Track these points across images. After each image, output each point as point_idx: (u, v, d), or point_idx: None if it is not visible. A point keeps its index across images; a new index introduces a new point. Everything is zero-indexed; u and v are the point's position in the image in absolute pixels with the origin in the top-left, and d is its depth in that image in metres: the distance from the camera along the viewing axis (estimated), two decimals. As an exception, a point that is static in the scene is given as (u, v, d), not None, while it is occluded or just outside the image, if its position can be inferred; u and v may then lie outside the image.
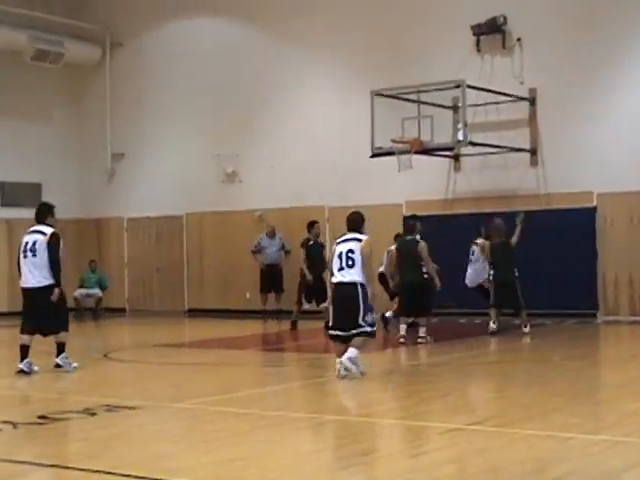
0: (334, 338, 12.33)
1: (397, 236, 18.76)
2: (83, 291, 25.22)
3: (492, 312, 17.88)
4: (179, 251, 26.01)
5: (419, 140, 18.75)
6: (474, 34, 21.33)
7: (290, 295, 22.60)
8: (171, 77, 26.14)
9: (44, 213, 13.77)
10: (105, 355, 15.90)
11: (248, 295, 24.19)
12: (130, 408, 10.39)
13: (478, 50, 21.40)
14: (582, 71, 20.43)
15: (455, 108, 20.03)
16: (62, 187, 26.38)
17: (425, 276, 16.62)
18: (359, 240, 12.22)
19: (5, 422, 9.57)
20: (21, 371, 13.29)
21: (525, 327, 17.80)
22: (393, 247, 18.13)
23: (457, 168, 21.76)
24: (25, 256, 13.43)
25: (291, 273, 22.69)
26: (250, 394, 11.66)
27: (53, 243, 13.40)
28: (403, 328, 16.64)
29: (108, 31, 27.00)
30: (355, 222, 12.56)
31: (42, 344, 13.94)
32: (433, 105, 19.41)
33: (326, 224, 22.78)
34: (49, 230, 13.49)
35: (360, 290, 12.04)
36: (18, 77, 26.00)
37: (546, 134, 20.78)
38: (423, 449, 8.31)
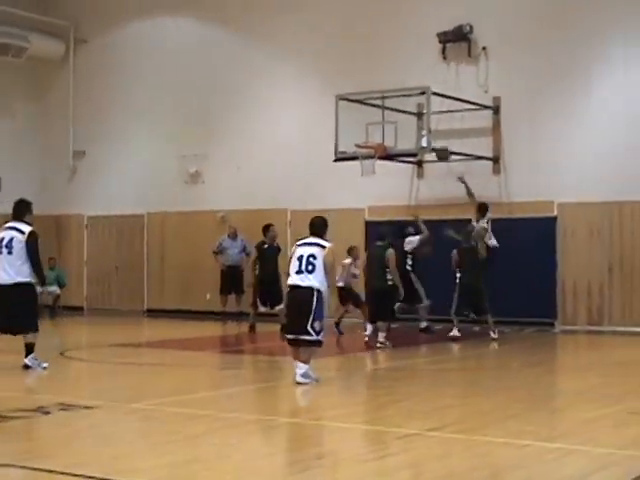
0: (289, 341, 12.28)
1: (350, 250, 18.87)
2: (41, 288, 24.94)
3: (455, 319, 18.01)
4: (139, 250, 25.89)
5: (383, 145, 18.76)
6: (440, 42, 21.41)
7: (250, 297, 22.55)
8: (136, 75, 26.02)
9: (22, 210, 13.65)
10: (62, 353, 15.78)
11: (208, 296, 24.10)
12: (85, 408, 10.30)
13: (444, 58, 21.47)
14: (545, 81, 20.56)
15: (419, 115, 20.10)
16: (22, 183, 26.08)
17: (389, 283, 16.73)
18: (322, 247, 12.02)
19: (-42, 419, 9.46)
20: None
21: (494, 333, 17.97)
22: (347, 260, 18.36)
23: (420, 174, 21.81)
24: (0, 252, 13.30)
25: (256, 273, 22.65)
26: (207, 396, 11.61)
27: (32, 242, 13.32)
28: (380, 334, 16.73)
29: (73, 27, 26.82)
30: (319, 226, 12.36)
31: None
32: (398, 111, 19.45)
33: (288, 227, 22.76)
34: (27, 228, 13.38)
35: (315, 296, 11.88)
36: (-21, 70, 25.81)
37: (509, 143, 20.89)
38: (380, 454, 8.30)
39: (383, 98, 19.34)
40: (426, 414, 10.22)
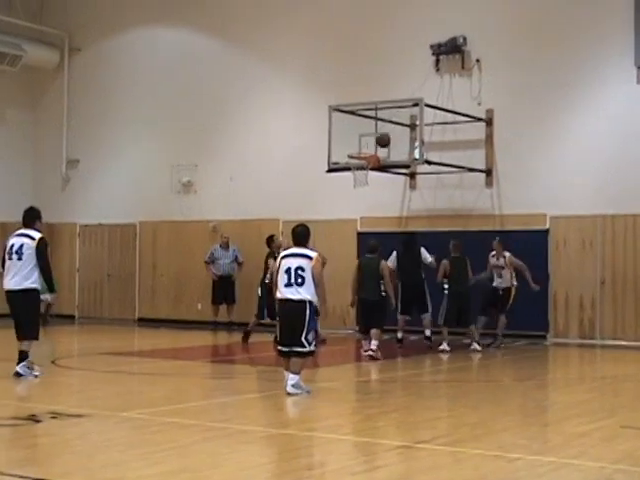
0: (281, 353, 12.27)
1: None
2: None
3: (445, 330, 18.08)
4: (131, 259, 25.86)
5: (376, 157, 18.76)
6: (434, 54, 21.45)
7: (242, 307, 22.59)
8: (129, 85, 26.02)
9: (32, 217, 13.84)
10: (53, 362, 15.74)
11: (200, 306, 24.10)
12: (76, 416, 10.28)
13: (437, 70, 21.51)
14: (539, 94, 20.60)
15: (412, 126, 20.13)
16: (15, 191, 26.13)
17: (383, 294, 16.90)
18: (309, 257, 11.98)
19: (-52, 427, 9.44)
20: (17, 373, 13.32)
21: (478, 345, 18.09)
22: None
23: (413, 186, 21.82)
24: (10, 258, 13.45)
25: (244, 285, 22.68)
26: (198, 405, 11.60)
27: (42, 248, 13.43)
28: (366, 343, 16.77)
29: (67, 36, 26.83)
30: (302, 236, 12.31)
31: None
32: (391, 122, 19.46)
33: (280, 237, 22.74)
34: (37, 235, 13.54)
35: (308, 308, 11.88)
36: (-26, 79, 25.81)
37: (501, 155, 20.91)
38: (370, 465, 8.30)
39: (376, 109, 19.35)
40: (416, 426, 10.22)
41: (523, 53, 20.80)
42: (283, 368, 12.24)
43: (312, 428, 10.22)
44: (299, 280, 11.86)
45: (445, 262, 18.32)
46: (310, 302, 11.90)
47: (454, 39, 21.16)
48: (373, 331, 16.83)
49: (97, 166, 26.47)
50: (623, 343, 19.57)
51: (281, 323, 12.20)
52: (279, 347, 12.25)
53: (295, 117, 23.47)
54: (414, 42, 21.67)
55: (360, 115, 19.43)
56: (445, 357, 17.41)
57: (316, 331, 12.56)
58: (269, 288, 18.95)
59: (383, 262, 17.14)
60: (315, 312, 12.07)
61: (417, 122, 19.20)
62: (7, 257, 13.50)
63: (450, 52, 21.32)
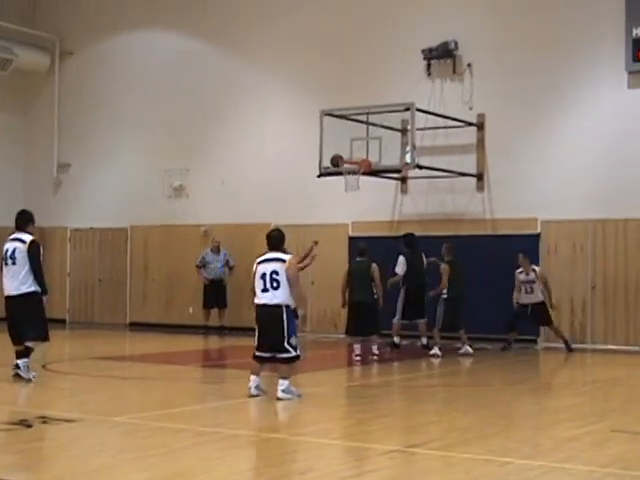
0: (257, 358, 12.25)
1: None
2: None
3: (438, 335, 18.08)
4: (123, 264, 25.83)
5: (367, 161, 18.78)
6: (425, 58, 21.48)
7: (233, 311, 22.59)
8: (121, 89, 26.01)
9: (25, 220, 13.85)
10: (43, 366, 15.69)
11: (191, 310, 24.09)
12: (67, 421, 10.27)
13: (429, 74, 21.54)
14: (530, 98, 20.65)
15: (404, 131, 20.14)
16: (6, 195, 26.12)
17: (375, 297, 17.11)
18: (283, 261, 11.98)
19: (-62, 432, 9.42)
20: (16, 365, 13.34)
21: (470, 348, 18.13)
22: None
23: (404, 190, 21.85)
24: (6, 264, 13.48)
25: (235, 289, 22.68)
26: (189, 410, 11.58)
27: (33, 251, 13.42)
28: (358, 347, 16.81)
29: (58, 39, 26.82)
30: (277, 240, 12.32)
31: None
32: (382, 127, 19.48)
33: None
34: (28, 238, 13.54)
35: (286, 312, 11.88)
36: (-35, 82, 25.78)
37: (493, 160, 20.95)
38: (361, 470, 8.31)
39: (368, 114, 19.37)
40: (407, 430, 10.23)
41: (514, 58, 20.85)
42: (250, 372, 12.20)
43: (303, 432, 10.22)
44: (274, 284, 11.86)
45: (446, 266, 18.21)
46: (287, 306, 11.89)
47: (445, 44, 21.20)
48: (373, 337, 17.13)
49: (88, 170, 26.45)
50: (614, 347, 19.61)
51: (259, 329, 12.16)
52: (257, 353, 12.20)
53: (287, 121, 23.48)
54: (405, 47, 21.70)
55: (352, 120, 19.45)
56: (436, 361, 17.41)
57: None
58: None
59: (374, 265, 17.28)
60: (294, 315, 12.05)
61: (408, 127, 19.23)
62: (4, 263, 13.51)
63: (441, 57, 21.36)
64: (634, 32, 19.49)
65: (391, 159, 19.18)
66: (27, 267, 13.38)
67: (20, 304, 13.34)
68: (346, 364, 17.28)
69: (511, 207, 20.65)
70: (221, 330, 22.46)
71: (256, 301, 12.07)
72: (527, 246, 20.11)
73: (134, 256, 25.71)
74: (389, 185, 21.58)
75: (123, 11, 26.17)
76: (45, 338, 13.65)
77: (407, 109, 18.85)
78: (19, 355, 13.42)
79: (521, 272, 19.00)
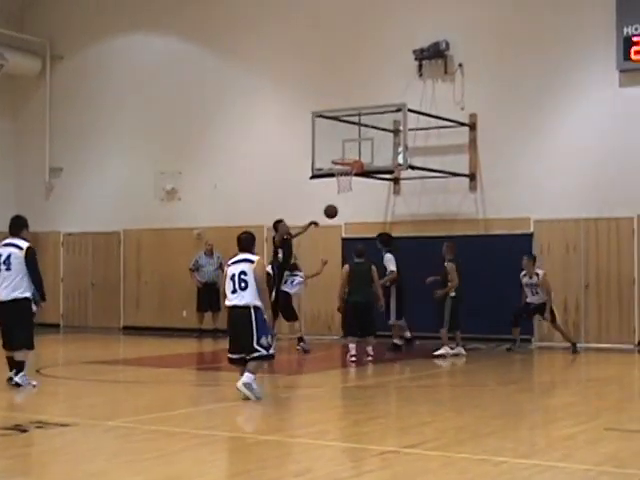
0: (230, 360, 12.22)
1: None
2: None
3: (445, 335, 18.00)
4: (116, 267, 25.81)
5: (359, 162, 18.79)
6: (416, 59, 21.49)
7: (226, 314, 22.50)
8: (112, 92, 25.98)
9: (19, 226, 13.77)
10: (37, 371, 15.66)
11: (185, 313, 24.06)
12: (62, 425, 10.26)
13: (420, 75, 21.56)
14: (522, 98, 20.67)
15: (396, 131, 20.15)
16: (-1, 199, 26.13)
17: (373, 298, 17.20)
18: (251, 261, 12.01)
19: None
20: (16, 384, 13.27)
21: (462, 349, 18.14)
22: None
23: (397, 191, 21.86)
24: None
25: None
26: (184, 413, 11.58)
27: (31, 258, 13.38)
28: (353, 347, 16.80)
29: (49, 43, 26.78)
30: (246, 242, 12.34)
31: None
32: (374, 128, 19.48)
33: (264, 244, 22.74)
34: (25, 244, 13.48)
35: (254, 313, 11.85)
36: (-44, 87, 25.73)
37: (485, 160, 20.97)
38: (357, 471, 8.31)
39: (360, 115, 19.38)
40: (403, 431, 10.23)
41: (506, 57, 20.87)
42: (240, 374, 12.17)
43: (298, 434, 10.22)
44: (242, 285, 11.89)
45: (453, 266, 18.06)
46: (255, 306, 11.87)
47: (437, 44, 21.21)
48: (370, 339, 17.11)
49: (80, 174, 26.42)
50: (607, 346, 19.64)
51: (230, 330, 12.19)
52: (229, 355, 12.19)
53: (279, 124, 23.49)
54: (397, 47, 21.71)
55: (343, 121, 19.46)
56: (432, 362, 17.39)
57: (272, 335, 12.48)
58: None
59: (374, 266, 17.33)
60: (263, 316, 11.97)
61: (400, 127, 19.25)
62: None
63: (433, 57, 21.37)
64: (625, 31, 19.52)
65: (383, 160, 19.19)
66: (22, 273, 13.31)
67: (12, 309, 13.29)
68: (341, 365, 17.28)
69: (504, 207, 20.67)
70: (215, 333, 22.43)
71: (226, 303, 12.12)
72: (520, 246, 20.15)
73: (127, 260, 25.68)
74: (382, 186, 21.59)
75: (113, 15, 26.14)
76: (31, 346, 13.58)
77: (399, 110, 18.87)
78: (12, 367, 13.35)
79: (525, 275, 18.99)
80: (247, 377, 11.91)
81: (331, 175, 19.14)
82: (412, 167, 19.33)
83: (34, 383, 13.44)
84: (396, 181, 21.61)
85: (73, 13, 26.81)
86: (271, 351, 12.04)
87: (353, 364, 16.54)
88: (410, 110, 19.00)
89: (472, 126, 20.99)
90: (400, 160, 19.01)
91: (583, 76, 20.20)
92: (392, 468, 8.34)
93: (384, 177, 20.83)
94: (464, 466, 8.31)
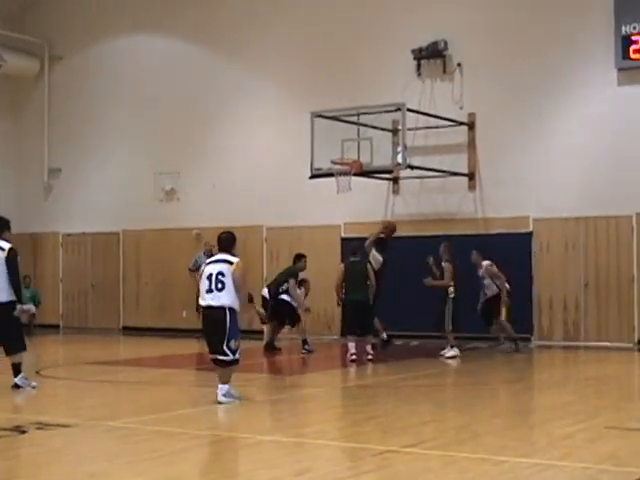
0: (213, 362, 12.12)
1: (302, 282, 19.07)
2: (18, 306, 24.77)
3: (451, 336, 17.87)
4: (115, 268, 25.80)
5: (358, 162, 18.80)
6: (415, 58, 21.50)
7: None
8: (111, 93, 25.98)
9: (1, 227, 13.54)
10: (37, 372, 15.67)
11: (185, 314, 24.04)
12: (62, 426, 10.26)
13: (419, 74, 21.56)
14: (520, 98, 20.68)
15: (395, 131, 20.15)
16: (-2, 200, 26.13)
17: (370, 296, 17.14)
18: (230, 262, 11.84)
19: None
20: (15, 385, 13.22)
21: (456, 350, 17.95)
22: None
23: (396, 191, 21.86)
24: None
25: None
26: (184, 413, 11.58)
27: (12, 259, 13.25)
28: (353, 346, 16.76)
29: (47, 44, 26.78)
30: (226, 242, 12.18)
31: None
32: (373, 127, 19.49)
33: (264, 244, 22.78)
34: (6, 245, 13.34)
35: (229, 315, 11.71)
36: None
37: (484, 159, 20.98)
38: (357, 471, 8.30)
39: (358, 115, 19.40)
40: (403, 430, 10.22)
41: (504, 57, 20.88)
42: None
43: (298, 434, 10.22)
44: (219, 285, 11.72)
45: (449, 266, 17.86)
46: (230, 309, 11.73)
47: (435, 43, 21.23)
48: (368, 338, 17.08)
49: (79, 175, 26.42)
50: (607, 344, 19.65)
51: (204, 331, 12.12)
52: (210, 355, 12.09)
53: (278, 124, 23.49)
54: (395, 47, 21.72)
55: (342, 121, 19.46)
56: (431, 361, 17.37)
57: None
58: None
59: (369, 265, 17.34)
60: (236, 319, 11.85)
61: (399, 127, 19.26)
62: None
63: (431, 56, 21.39)
64: (623, 29, 19.55)
65: (382, 160, 19.20)
66: (4, 275, 13.15)
67: (2, 313, 13.19)
68: (341, 365, 17.27)
69: (503, 206, 20.68)
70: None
71: (201, 302, 11.96)
72: (519, 245, 20.18)
73: (126, 260, 25.69)
74: (381, 186, 21.60)
75: (112, 16, 26.14)
76: (23, 348, 13.51)
77: (398, 109, 18.87)
78: (15, 373, 13.32)
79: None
80: (222, 389, 11.81)
81: (330, 175, 19.15)
82: (411, 167, 19.34)
83: (34, 384, 13.43)
84: (395, 181, 21.62)
85: (72, 14, 26.80)
86: (237, 356, 11.85)
87: (353, 363, 16.54)
88: (409, 110, 19.01)
89: (471, 125, 21.00)
90: (399, 160, 19.01)
91: (582, 75, 20.22)
92: (392, 468, 8.34)
93: (383, 177, 20.84)
94: (464, 465, 8.32)
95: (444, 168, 20.58)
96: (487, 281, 18.75)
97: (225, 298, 11.71)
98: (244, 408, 12.00)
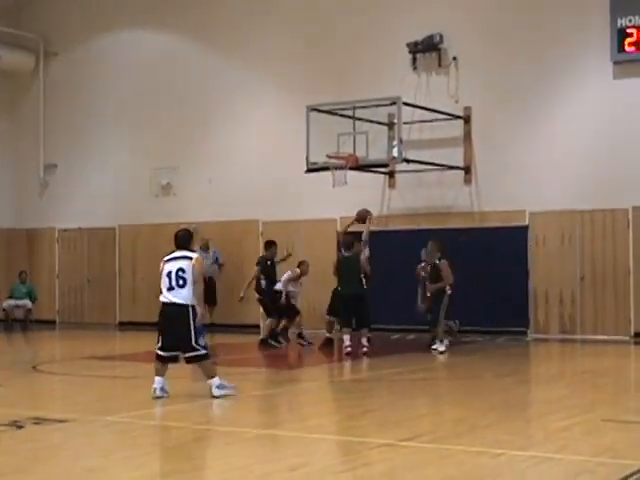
0: (160, 358, 12.05)
1: (300, 264, 19.03)
2: (12, 302, 24.88)
3: (443, 330, 17.74)
4: (111, 263, 25.79)
5: (354, 156, 18.79)
6: (410, 52, 21.49)
7: (223, 308, 22.54)
8: (107, 88, 25.94)
9: None
10: (34, 367, 15.68)
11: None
12: (59, 421, 10.26)
13: (414, 68, 21.55)
14: (516, 91, 20.68)
15: (391, 125, 20.14)
16: (-7, 196, 26.12)
17: (364, 288, 17.21)
18: (190, 258, 11.82)
19: None
20: None
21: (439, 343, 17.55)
22: (297, 270, 18.80)
23: (392, 185, 21.86)
24: None
25: (225, 286, 22.65)
26: (181, 408, 11.57)
27: None
28: (347, 339, 16.76)
29: (42, 40, 26.73)
30: (183, 239, 12.15)
31: None
32: (369, 121, 19.48)
33: (260, 239, 22.76)
34: None
35: (191, 312, 11.69)
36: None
37: (480, 152, 20.98)
38: (354, 464, 8.31)
39: (354, 108, 19.37)
40: (399, 424, 10.23)
41: (499, 50, 20.88)
42: (155, 374, 11.97)
43: (295, 428, 10.22)
44: (180, 282, 11.71)
45: (446, 262, 17.50)
46: (193, 306, 11.71)
47: (430, 37, 21.22)
48: (363, 330, 17.06)
49: (75, 170, 26.39)
50: (603, 337, 19.66)
51: (163, 328, 11.99)
52: (160, 352, 11.97)
53: (273, 118, 23.47)
54: (391, 41, 21.71)
55: (338, 115, 19.45)
56: (427, 355, 17.36)
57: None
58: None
59: (362, 257, 17.39)
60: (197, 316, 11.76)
61: (395, 121, 19.26)
62: None
63: (427, 50, 21.38)
64: (619, 22, 19.54)
65: (378, 153, 19.20)
66: None
67: None
68: (336, 359, 17.27)
69: (499, 199, 20.68)
70: (211, 327, 22.40)
71: (161, 299, 11.90)
72: (515, 238, 20.19)
73: (123, 256, 25.67)
74: (377, 179, 21.60)
75: (108, 11, 26.08)
76: None
77: (393, 103, 18.88)
78: None
79: None
80: (214, 382, 11.75)
81: (326, 169, 19.14)
82: (407, 160, 19.33)
83: None
84: (391, 174, 21.61)
85: (68, 9, 26.73)
86: (207, 351, 11.84)
87: (348, 357, 16.53)
88: (405, 103, 19.01)
89: (466, 119, 21.00)
90: (395, 153, 19.01)
91: (577, 68, 20.22)
92: (389, 461, 8.34)
93: (379, 170, 20.84)
94: (461, 459, 8.32)
95: (440, 162, 20.58)
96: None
97: (187, 295, 11.70)
98: (240, 402, 12.01)
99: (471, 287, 19.34)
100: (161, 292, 11.94)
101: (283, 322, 18.96)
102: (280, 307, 18.77)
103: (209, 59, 24.46)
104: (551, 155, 20.34)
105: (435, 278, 17.66)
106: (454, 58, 21.26)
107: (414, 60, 21.53)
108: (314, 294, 21.42)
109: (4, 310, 24.47)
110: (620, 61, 19.71)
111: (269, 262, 19.27)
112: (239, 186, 23.62)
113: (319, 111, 19.38)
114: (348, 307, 17.16)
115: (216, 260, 23.04)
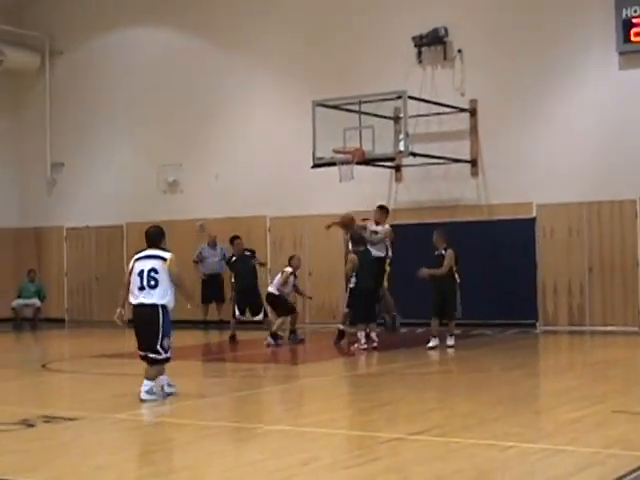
0: (141, 357, 11.88)
1: (291, 259, 18.88)
2: (21, 301, 24.90)
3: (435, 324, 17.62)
4: (119, 261, 25.75)
5: (361, 150, 18.76)
6: (415, 45, 21.45)
7: (231, 305, 22.52)
8: (113, 86, 25.94)
9: None
10: (43, 366, 15.71)
11: (189, 305, 23.95)
12: (69, 419, 10.27)
13: (420, 61, 21.52)
14: (522, 83, 20.63)
15: (397, 119, 20.10)
16: (1, 195, 26.07)
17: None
18: (163, 259, 11.53)
19: (-60, 434, 9.41)
20: None
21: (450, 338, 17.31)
22: (288, 269, 18.52)
23: (398, 179, 21.83)
24: None
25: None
26: (190, 404, 11.58)
27: None
28: (363, 335, 16.74)
29: (48, 39, 26.73)
30: (156, 236, 11.87)
31: None
32: (375, 116, 19.45)
33: (267, 234, 22.76)
34: None
35: (161, 313, 11.51)
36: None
37: (486, 145, 20.94)
38: (364, 459, 8.30)
39: (360, 103, 19.33)
40: (409, 418, 10.23)
41: (505, 42, 20.83)
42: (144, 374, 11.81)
43: (305, 423, 10.22)
44: (152, 283, 11.46)
45: (451, 253, 17.06)
46: (163, 306, 11.50)
47: (436, 30, 21.18)
48: (372, 325, 17.03)
49: (82, 169, 26.40)
50: (612, 329, 19.63)
51: (136, 328, 11.81)
52: (139, 351, 11.83)
53: (279, 113, 23.45)
54: (396, 34, 21.67)
55: (344, 109, 19.41)
56: (439, 349, 17.32)
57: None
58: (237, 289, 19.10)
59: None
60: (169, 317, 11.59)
61: (401, 114, 19.21)
62: None
63: (432, 43, 21.34)
64: (624, 13, 19.48)
65: (385, 147, 19.16)
66: None
67: None
68: (345, 353, 17.21)
69: (506, 192, 20.65)
70: (220, 324, 22.41)
71: (132, 300, 11.68)
72: (523, 231, 20.16)
73: (130, 253, 25.38)
74: (383, 174, 21.57)
75: (112, 9, 26.07)
76: None
77: (399, 97, 18.85)
78: None
79: None
80: (146, 385, 11.44)
81: (332, 164, 19.11)
82: (413, 154, 19.30)
83: None
84: (398, 168, 21.59)
85: (73, 8, 26.72)
86: (169, 354, 11.63)
87: (364, 352, 16.49)
88: (410, 97, 18.98)
89: (472, 112, 20.96)
90: (401, 147, 18.98)
91: (583, 59, 20.17)
92: (399, 455, 8.34)
93: (386, 165, 20.82)
94: (472, 452, 8.32)
95: (446, 155, 20.55)
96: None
97: (158, 296, 11.46)
98: (250, 398, 12.01)
99: (479, 280, 19.33)
100: (130, 291, 11.65)
101: (288, 320, 18.86)
102: (284, 307, 18.71)
103: (214, 55, 24.34)
104: (558, 147, 20.29)
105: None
106: (459, 51, 21.22)
107: (419, 53, 21.50)
108: (322, 289, 21.46)
109: (13, 309, 24.48)
110: (625, 52, 19.65)
111: (233, 258, 19.23)
112: (246, 182, 23.61)
113: (325, 106, 19.35)
114: (365, 301, 17.06)
115: (223, 257, 23.01)
